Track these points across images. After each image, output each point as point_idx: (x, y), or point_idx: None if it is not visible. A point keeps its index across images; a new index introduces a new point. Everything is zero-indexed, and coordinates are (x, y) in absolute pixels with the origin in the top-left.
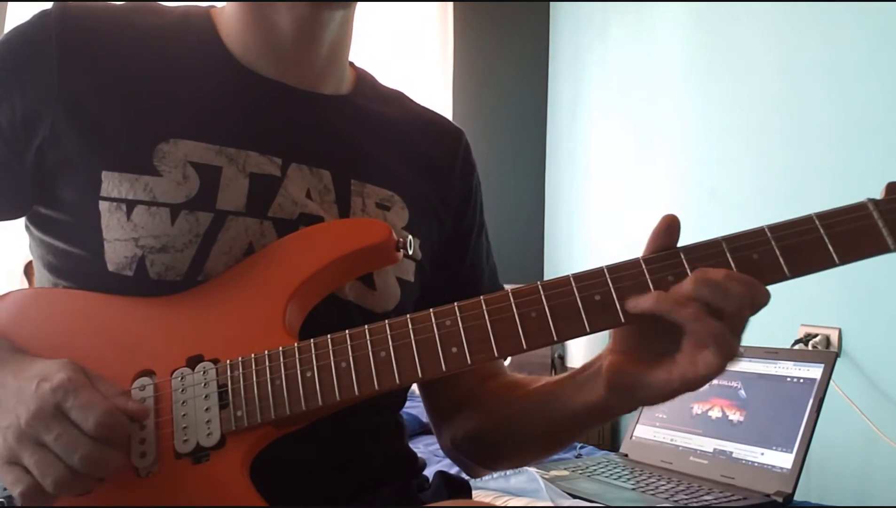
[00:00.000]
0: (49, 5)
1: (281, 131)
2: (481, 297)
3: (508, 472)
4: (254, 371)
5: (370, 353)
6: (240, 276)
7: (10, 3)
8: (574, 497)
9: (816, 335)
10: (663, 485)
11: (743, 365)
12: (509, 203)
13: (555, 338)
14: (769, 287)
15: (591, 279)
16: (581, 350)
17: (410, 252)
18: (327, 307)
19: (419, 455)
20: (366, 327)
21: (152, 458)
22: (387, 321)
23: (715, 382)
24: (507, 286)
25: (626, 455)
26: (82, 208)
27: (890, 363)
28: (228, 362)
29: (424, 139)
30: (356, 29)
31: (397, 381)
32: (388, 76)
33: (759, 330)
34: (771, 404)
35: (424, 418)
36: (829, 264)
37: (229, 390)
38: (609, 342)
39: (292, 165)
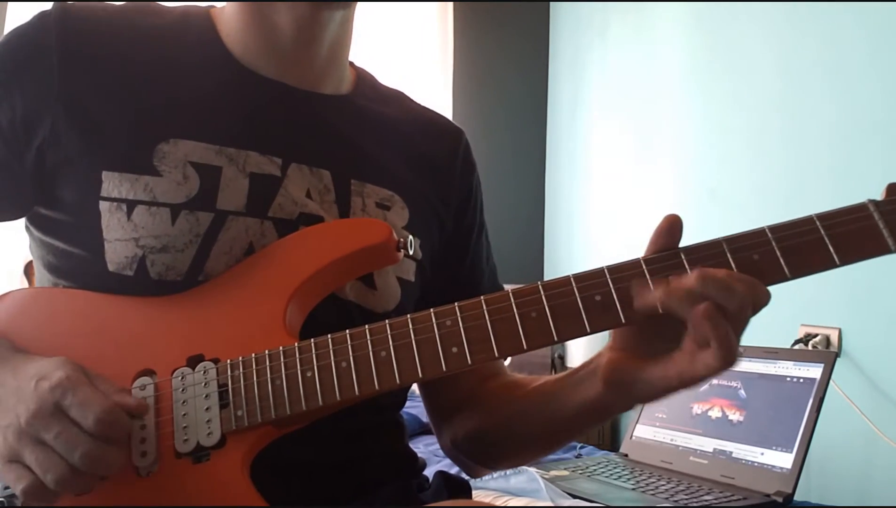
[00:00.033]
0: (49, 6)
1: (281, 131)
2: (482, 297)
3: (508, 472)
4: (254, 371)
5: (370, 353)
6: (240, 276)
7: (9, 3)
8: (574, 497)
9: (816, 335)
10: (663, 485)
11: (743, 365)
12: (509, 203)
13: (555, 338)
14: (770, 287)
15: (591, 280)
16: (581, 350)
17: (411, 252)
18: (328, 307)
19: (419, 455)
20: (366, 326)
21: (152, 458)
22: (387, 321)
23: (715, 382)
24: (507, 286)
25: (626, 455)
26: (82, 209)
27: (890, 363)
28: (229, 361)
29: (424, 139)
30: (356, 29)
31: (397, 381)
32: (388, 76)
33: (759, 330)
34: (771, 404)
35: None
36: (830, 265)
37: (230, 389)
38: (609, 340)
39: (292, 165)
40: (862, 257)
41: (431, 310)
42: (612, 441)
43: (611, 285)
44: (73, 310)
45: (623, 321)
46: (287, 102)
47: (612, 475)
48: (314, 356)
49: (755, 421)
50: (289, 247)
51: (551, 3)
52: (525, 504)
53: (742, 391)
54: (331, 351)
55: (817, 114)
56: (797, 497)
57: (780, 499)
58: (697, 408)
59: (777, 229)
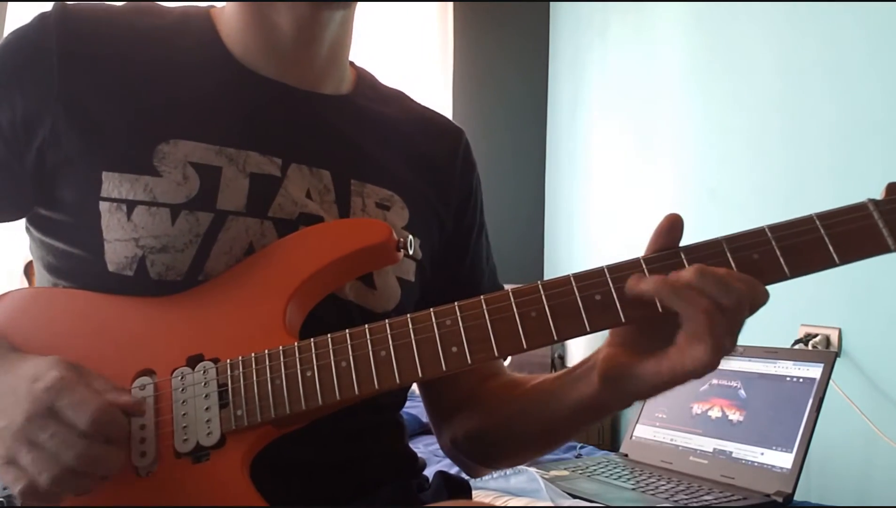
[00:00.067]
0: (49, 6)
1: (281, 131)
2: (481, 296)
3: (508, 472)
4: (254, 371)
5: (370, 352)
6: (240, 276)
7: (9, 3)
8: (574, 497)
9: (816, 335)
10: (663, 485)
11: (743, 365)
12: (509, 203)
13: (555, 338)
14: (770, 287)
15: (591, 279)
16: (581, 350)
17: (411, 252)
18: (327, 307)
19: (419, 455)
20: (366, 326)
21: (152, 457)
22: (387, 321)
23: (715, 382)
24: (507, 286)
25: (626, 455)
26: (82, 209)
27: (890, 363)
28: (228, 361)
29: (425, 139)
30: (356, 29)
31: (397, 380)
32: (388, 76)
33: (759, 330)
34: (771, 404)
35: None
36: (830, 265)
37: (229, 389)
38: (608, 337)
39: (292, 166)
40: (861, 256)
41: (431, 310)
42: (612, 441)
43: (611, 285)
44: (72, 310)
45: (623, 320)
46: (287, 102)
47: (612, 475)
48: (314, 355)
49: (755, 421)
50: (288, 247)
51: (551, 3)
52: (525, 504)
53: (742, 391)
54: (330, 351)
55: (817, 114)
56: (797, 497)
57: (780, 499)
58: (697, 408)
59: (777, 229)
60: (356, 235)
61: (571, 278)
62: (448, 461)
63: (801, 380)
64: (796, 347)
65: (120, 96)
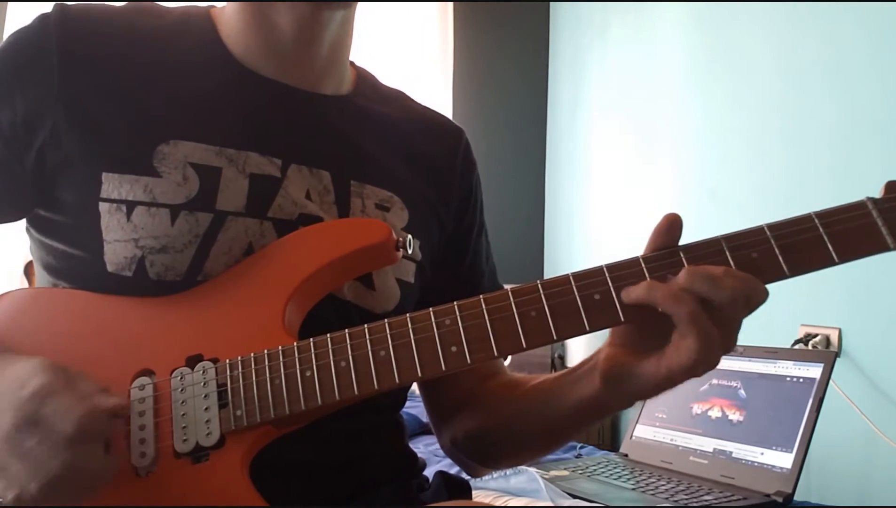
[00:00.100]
0: (49, 6)
1: (281, 132)
2: (481, 296)
3: (508, 472)
4: (253, 371)
5: (370, 352)
6: (239, 276)
7: (9, 3)
8: (574, 497)
9: (816, 335)
10: (663, 485)
11: (743, 365)
12: (509, 203)
13: (554, 337)
14: (769, 287)
15: (590, 278)
16: (581, 350)
17: (410, 252)
18: (326, 308)
19: (419, 455)
20: (365, 326)
21: (151, 458)
22: (386, 321)
23: (715, 381)
24: (507, 286)
25: (626, 455)
26: (82, 210)
27: (890, 363)
28: (228, 361)
29: (425, 139)
30: (356, 29)
31: (397, 380)
32: (388, 76)
33: (758, 330)
34: (771, 404)
35: (424, 418)
36: (829, 263)
37: (229, 389)
38: (608, 337)
39: (292, 166)
40: (860, 254)
41: (430, 309)
42: (612, 441)
43: (610, 284)
44: (72, 310)
45: (622, 319)
46: (287, 102)
47: (612, 475)
48: (313, 355)
49: (755, 421)
50: (288, 247)
51: (551, 3)
52: (525, 504)
53: (742, 391)
54: (330, 351)
55: (817, 114)
56: (797, 497)
57: (780, 499)
58: (697, 408)
59: (776, 228)
60: (355, 235)
61: (571, 278)
62: (448, 461)
63: (801, 380)
64: (796, 347)
65: (120, 97)
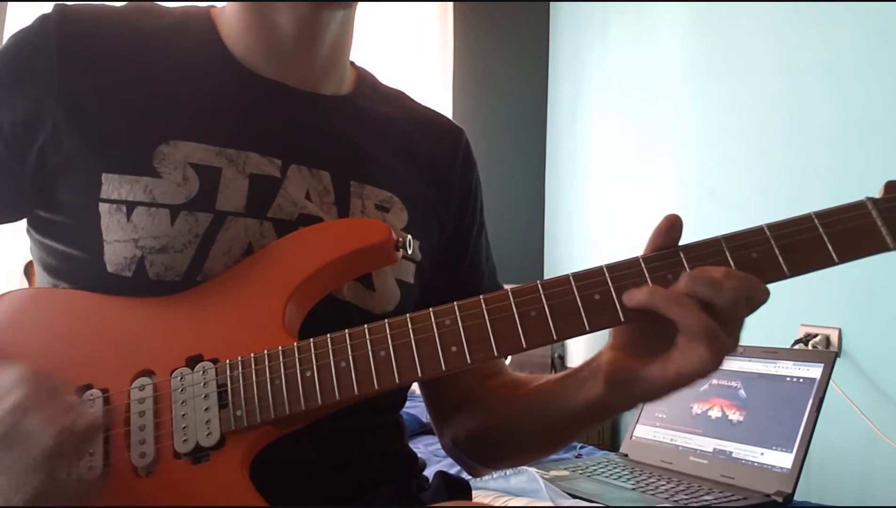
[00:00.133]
0: (50, 7)
1: (281, 132)
2: (481, 296)
3: (508, 472)
4: (253, 371)
5: (370, 352)
6: (239, 276)
7: (9, 3)
8: (574, 497)
9: (816, 335)
10: (663, 485)
11: (743, 365)
12: (509, 203)
13: (554, 337)
14: (769, 287)
15: (590, 278)
16: (581, 350)
17: (410, 252)
18: (326, 309)
19: (419, 455)
20: (365, 326)
21: (151, 458)
22: (386, 321)
23: (715, 382)
24: (507, 286)
25: (626, 455)
26: (82, 210)
27: (890, 363)
28: (228, 361)
29: (425, 139)
30: (356, 29)
31: (397, 380)
32: (388, 76)
33: (758, 330)
34: (771, 404)
35: (424, 418)
36: (828, 263)
37: (229, 390)
38: (609, 339)
39: (292, 167)
40: (860, 254)
41: (430, 309)
42: (612, 441)
43: (610, 284)
44: (72, 311)
45: (622, 319)
46: (287, 102)
47: (612, 475)
48: (313, 355)
49: (755, 421)
50: (287, 247)
51: (551, 3)
52: (525, 504)
53: (742, 391)
54: (330, 351)
55: (817, 114)
56: (797, 497)
57: (780, 499)
58: (697, 408)
59: (775, 228)
60: (355, 235)
61: (571, 278)
62: (448, 461)
63: (801, 380)
64: (796, 347)
65: (120, 97)
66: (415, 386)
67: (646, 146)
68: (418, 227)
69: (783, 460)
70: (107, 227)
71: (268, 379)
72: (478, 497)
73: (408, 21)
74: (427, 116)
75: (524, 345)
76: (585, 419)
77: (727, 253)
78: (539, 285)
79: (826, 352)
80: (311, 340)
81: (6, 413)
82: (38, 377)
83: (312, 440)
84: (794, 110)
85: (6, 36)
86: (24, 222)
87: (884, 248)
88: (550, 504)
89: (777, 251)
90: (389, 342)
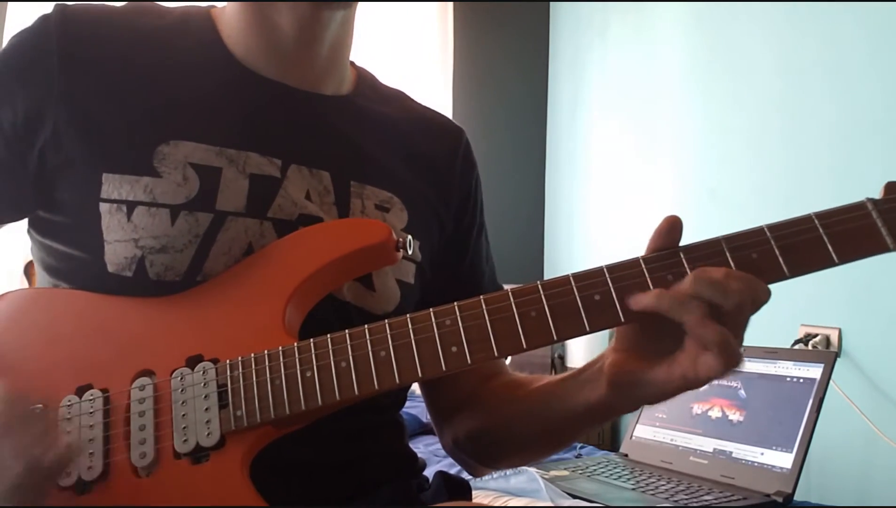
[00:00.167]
0: (50, 7)
1: (281, 132)
2: (481, 296)
3: (508, 472)
4: (253, 371)
5: (370, 352)
6: (239, 276)
7: (9, 3)
8: (574, 497)
9: (816, 335)
10: (663, 485)
11: (743, 365)
12: (509, 203)
13: (554, 337)
14: (770, 287)
15: (590, 279)
16: (581, 350)
17: (410, 252)
18: (326, 309)
19: (419, 455)
20: (365, 326)
21: (152, 458)
22: (386, 321)
23: (715, 382)
24: (507, 286)
25: (626, 455)
26: (83, 210)
27: (890, 363)
28: (228, 362)
29: (425, 139)
30: (356, 29)
31: (397, 381)
32: (388, 76)
33: (759, 330)
34: (771, 404)
35: (424, 418)
36: (829, 264)
37: (229, 390)
38: (611, 341)
39: (292, 167)
40: (860, 255)
41: (431, 310)
42: (612, 441)
43: (610, 285)
44: (72, 311)
45: (622, 319)
46: (288, 102)
47: (612, 475)
48: (313, 356)
49: (755, 421)
50: (287, 247)
51: (551, 3)
52: (525, 504)
53: (742, 391)
54: (330, 351)
55: (817, 114)
56: (797, 497)
57: (780, 499)
58: (697, 408)
59: (776, 228)
60: (355, 235)
61: (571, 278)
62: (448, 460)
63: (801, 380)
64: (796, 347)
65: (120, 97)
66: (415, 386)
67: (646, 146)
68: (418, 227)
69: (783, 460)
70: (107, 227)
71: (268, 379)
72: (478, 497)
73: (408, 21)
74: (427, 116)
75: (524, 345)
76: (587, 421)
77: (727, 254)
78: (539, 286)
79: (826, 352)
80: (312, 340)
81: None
82: (11, 399)
83: (312, 441)
84: (794, 110)
85: (6, 36)
86: (24, 223)
87: (884, 249)
88: (550, 504)
89: (777, 252)
90: (390, 342)
